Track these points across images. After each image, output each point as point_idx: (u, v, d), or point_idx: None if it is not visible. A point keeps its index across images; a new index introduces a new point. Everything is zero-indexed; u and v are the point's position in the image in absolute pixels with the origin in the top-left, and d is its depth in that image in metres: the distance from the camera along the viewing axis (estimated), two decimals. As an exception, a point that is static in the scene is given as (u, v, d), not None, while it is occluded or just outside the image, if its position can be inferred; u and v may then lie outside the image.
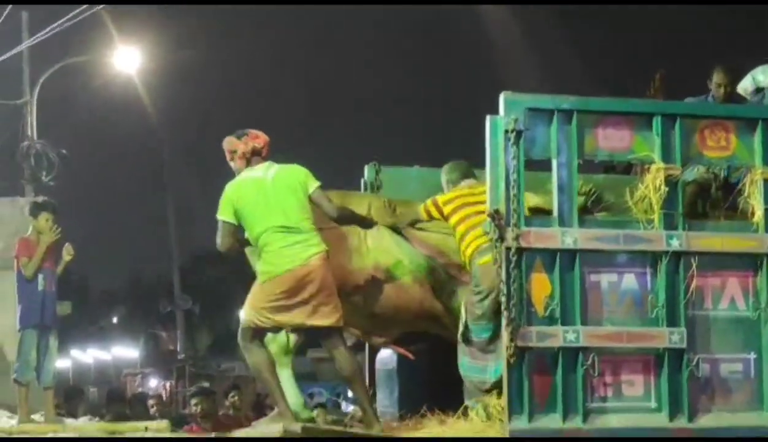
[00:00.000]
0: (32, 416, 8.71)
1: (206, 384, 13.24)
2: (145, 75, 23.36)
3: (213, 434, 7.97)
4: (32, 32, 18.83)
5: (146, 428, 7.62)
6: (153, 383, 35.95)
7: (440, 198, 7.46)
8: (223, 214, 6.86)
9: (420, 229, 7.61)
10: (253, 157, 6.94)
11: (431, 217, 7.47)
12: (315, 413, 10.29)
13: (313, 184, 6.90)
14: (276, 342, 7.41)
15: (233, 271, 34.02)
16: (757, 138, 6.68)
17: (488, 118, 6.45)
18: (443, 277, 7.52)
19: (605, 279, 6.48)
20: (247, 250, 7.06)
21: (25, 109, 19.49)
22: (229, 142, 6.98)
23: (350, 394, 22.94)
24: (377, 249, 7.50)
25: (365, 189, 8.42)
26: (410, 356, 8.09)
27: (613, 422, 6.37)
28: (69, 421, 9.09)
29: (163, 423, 7.82)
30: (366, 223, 7.28)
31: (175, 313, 33.94)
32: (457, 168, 7.67)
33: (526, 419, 6.24)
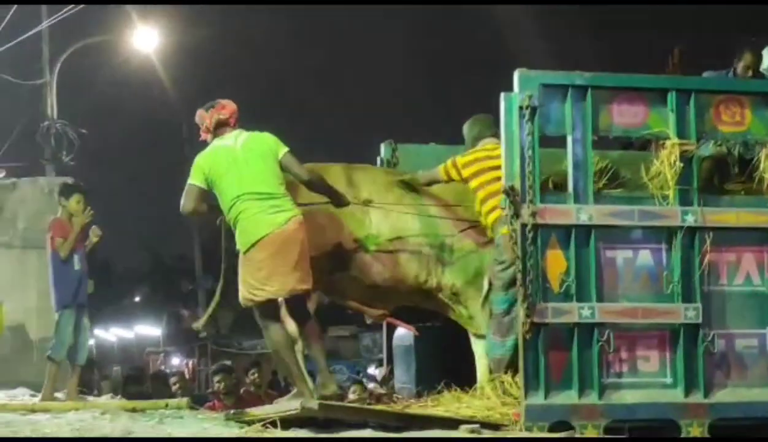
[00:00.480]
0: (56, 394, 8.80)
1: (228, 362, 13.35)
2: (163, 54, 23.38)
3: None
4: (51, 13, 18.87)
5: (167, 405, 7.69)
6: (175, 361, 36.16)
7: (460, 159, 7.42)
8: (194, 179, 6.86)
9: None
10: (219, 128, 6.98)
11: (450, 179, 7.47)
12: (352, 389, 10.41)
13: (283, 150, 6.88)
14: None
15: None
16: (772, 113, 6.66)
17: (503, 95, 6.46)
18: (438, 254, 7.53)
19: (620, 255, 6.49)
20: (221, 221, 7.04)
21: (44, 90, 19.57)
22: (198, 116, 7.07)
23: (370, 371, 23.15)
24: (380, 223, 7.52)
25: (382, 166, 8.45)
26: (413, 329, 8.17)
27: (629, 397, 6.39)
28: (90, 398, 9.18)
29: (183, 401, 7.86)
30: (337, 195, 7.12)
31: (197, 291, 34.01)
32: (477, 124, 7.65)
33: (542, 396, 6.27)
